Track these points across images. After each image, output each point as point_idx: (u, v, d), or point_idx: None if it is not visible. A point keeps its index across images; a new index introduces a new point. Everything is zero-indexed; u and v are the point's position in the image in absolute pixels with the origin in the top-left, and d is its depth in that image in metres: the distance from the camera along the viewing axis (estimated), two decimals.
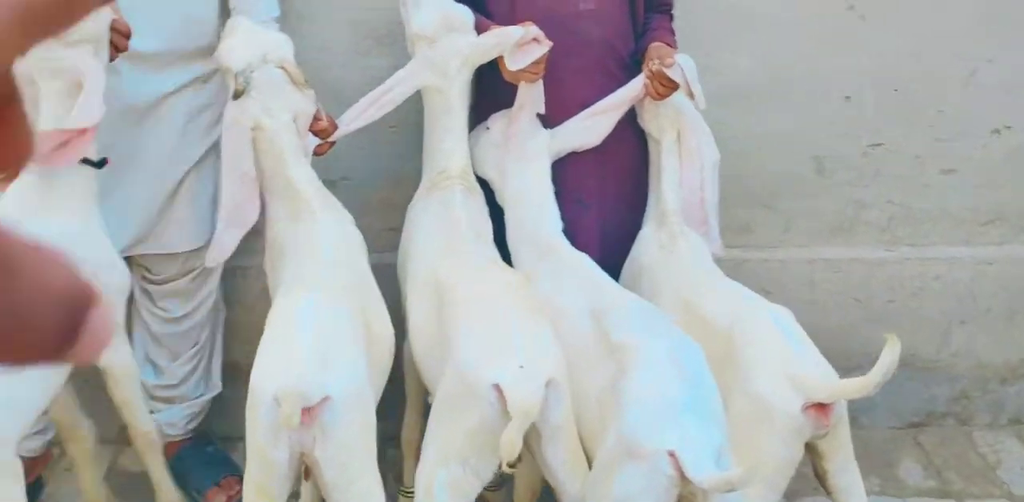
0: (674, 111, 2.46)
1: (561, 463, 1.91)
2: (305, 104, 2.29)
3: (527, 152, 2.42)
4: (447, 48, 2.36)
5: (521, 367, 1.81)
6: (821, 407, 1.91)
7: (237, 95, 2.21)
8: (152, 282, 2.69)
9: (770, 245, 3.05)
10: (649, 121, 2.49)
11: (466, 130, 2.45)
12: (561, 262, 2.28)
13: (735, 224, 2.99)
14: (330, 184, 2.84)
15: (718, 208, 2.50)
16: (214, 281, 2.74)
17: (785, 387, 1.92)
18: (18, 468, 1.85)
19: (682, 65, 2.33)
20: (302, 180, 2.26)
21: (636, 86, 2.42)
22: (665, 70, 2.33)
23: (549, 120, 2.48)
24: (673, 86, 2.36)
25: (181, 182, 2.57)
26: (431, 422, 1.97)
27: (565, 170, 2.51)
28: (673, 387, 1.79)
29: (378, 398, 2.09)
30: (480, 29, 2.39)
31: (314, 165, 2.53)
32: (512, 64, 2.33)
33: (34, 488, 2.67)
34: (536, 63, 2.33)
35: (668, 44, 2.47)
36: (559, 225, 2.37)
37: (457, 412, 1.89)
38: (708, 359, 2.05)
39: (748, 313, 2.07)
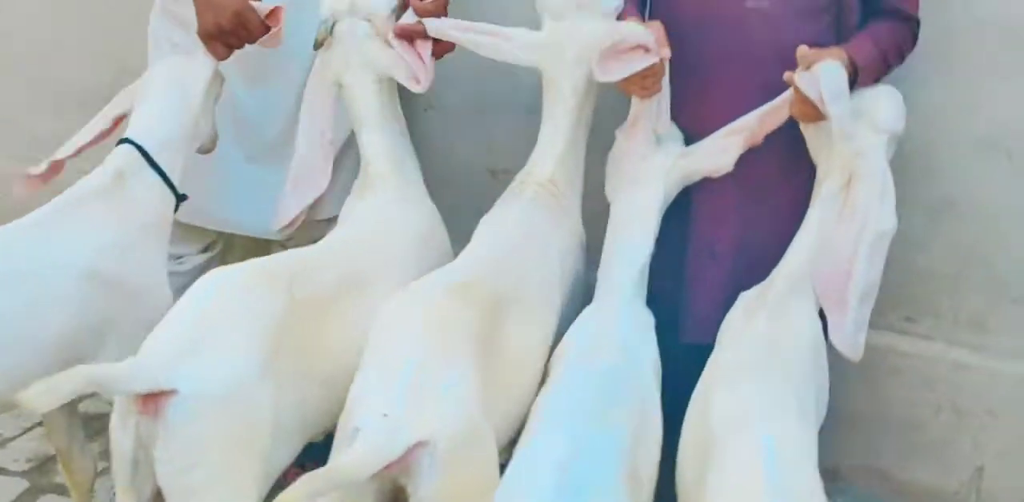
0: (851, 150, 1.83)
1: None
2: (393, 63, 2.02)
3: (639, 175, 1.96)
4: (567, 31, 1.95)
5: (385, 415, 1.45)
6: None
7: (316, 45, 2.03)
8: None
9: (1013, 354, 2.25)
10: (815, 153, 1.91)
11: (572, 133, 2.01)
12: (598, 310, 1.82)
13: (967, 317, 2.26)
14: (491, 174, 2.57)
15: (874, 292, 1.83)
16: None
17: None
18: None
19: (821, 73, 1.73)
20: (374, 147, 2.04)
21: (781, 101, 1.85)
22: (795, 78, 1.75)
23: (694, 139, 2.00)
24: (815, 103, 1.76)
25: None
26: None
27: (700, 207, 2.02)
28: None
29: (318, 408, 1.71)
30: (624, 19, 1.94)
31: (476, 148, 2.26)
32: (600, 73, 1.89)
33: None
34: (646, 77, 1.88)
35: (856, 53, 1.83)
36: (635, 268, 1.88)
37: (336, 447, 1.57)
38: (684, 478, 1.54)
39: (741, 429, 1.48)
